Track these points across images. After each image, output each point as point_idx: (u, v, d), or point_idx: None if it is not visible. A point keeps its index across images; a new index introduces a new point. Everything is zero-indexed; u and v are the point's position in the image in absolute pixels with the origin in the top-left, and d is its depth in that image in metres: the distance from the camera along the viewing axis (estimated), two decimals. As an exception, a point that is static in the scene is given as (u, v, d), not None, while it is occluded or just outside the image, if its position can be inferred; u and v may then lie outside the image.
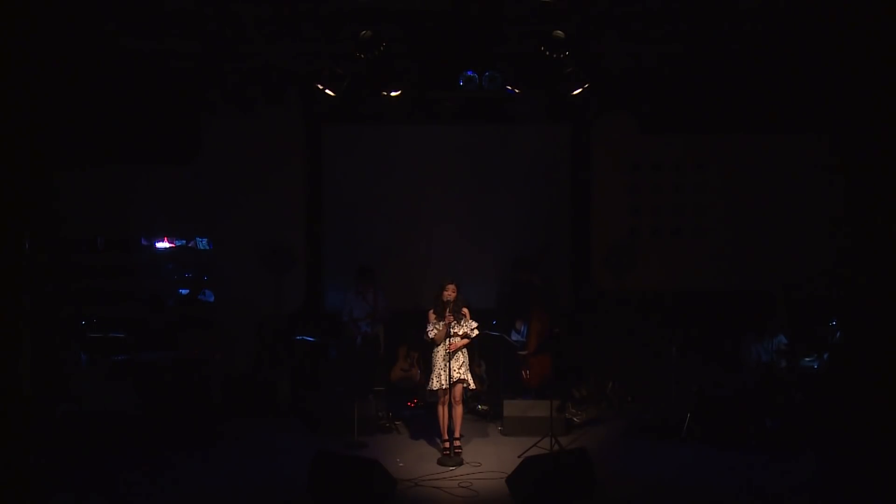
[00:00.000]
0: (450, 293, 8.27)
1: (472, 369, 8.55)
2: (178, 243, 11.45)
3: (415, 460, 8.20)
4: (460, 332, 8.32)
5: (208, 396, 9.61)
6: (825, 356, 9.25)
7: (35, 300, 9.74)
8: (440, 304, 8.32)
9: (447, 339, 8.25)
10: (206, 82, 10.10)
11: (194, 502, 7.24)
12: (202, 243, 11.38)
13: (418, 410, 9.92)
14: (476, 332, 8.43)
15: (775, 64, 9.64)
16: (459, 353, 8.31)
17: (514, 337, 9.92)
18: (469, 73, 9.16)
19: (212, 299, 11.15)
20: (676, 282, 10.87)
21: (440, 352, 8.32)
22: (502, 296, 10.76)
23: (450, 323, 8.21)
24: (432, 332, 8.34)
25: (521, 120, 10.89)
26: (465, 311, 8.40)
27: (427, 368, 8.73)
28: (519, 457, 7.78)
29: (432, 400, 9.03)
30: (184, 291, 11.42)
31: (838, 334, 9.29)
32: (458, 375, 8.26)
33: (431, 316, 8.40)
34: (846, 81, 9.60)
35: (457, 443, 8.27)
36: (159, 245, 11.44)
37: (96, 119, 10.27)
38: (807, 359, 9.32)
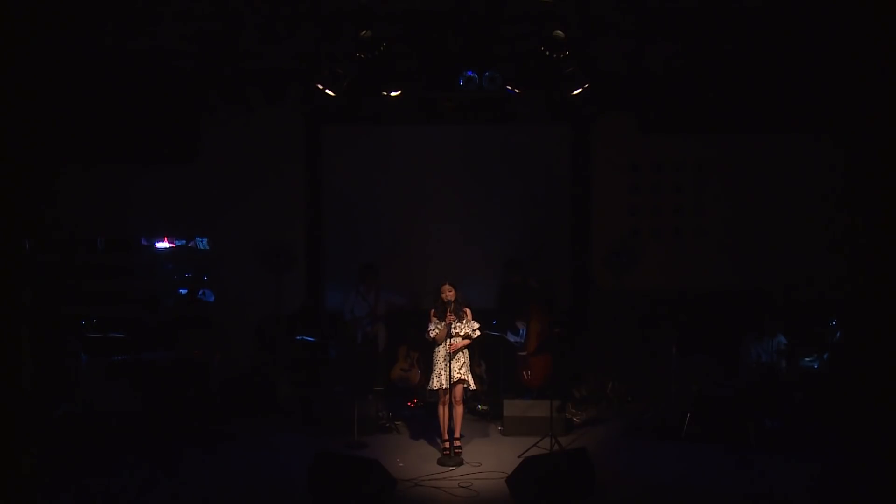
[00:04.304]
0: (447, 294, 8.27)
1: (472, 369, 8.55)
2: (178, 243, 11.45)
3: (415, 460, 8.20)
4: (462, 333, 8.32)
5: (208, 396, 9.62)
6: (825, 356, 9.26)
7: (35, 300, 9.75)
8: (440, 304, 8.32)
9: (448, 340, 8.25)
10: (206, 82, 10.10)
11: (194, 502, 7.24)
12: (202, 243, 11.38)
13: (418, 410, 9.92)
14: (478, 332, 8.42)
15: (775, 64, 9.64)
16: (460, 353, 8.30)
17: (512, 338, 9.90)
18: (469, 73, 9.16)
19: (212, 299, 11.16)
20: (676, 282, 10.86)
21: (441, 352, 8.32)
22: (501, 296, 10.76)
23: (450, 323, 8.21)
24: (433, 332, 8.34)
25: (521, 120, 10.88)
26: (468, 311, 8.41)
27: (427, 368, 8.73)
28: (519, 457, 7.78)
29: (432, 400, 9.04)
30: (183, 291, 11.42)
31: (838, 334, 9.30)
32: (459, 376, 8.26)
33: (432, 315, 8.40)
34: (847, 81, 9.60)
35: (457, 443, 8.27)
36: (159, 245, 11.44)
37: (96, 119, 10.26)
38: (807, 359, 9.33)
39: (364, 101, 10.15)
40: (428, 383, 8.50)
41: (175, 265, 11.49)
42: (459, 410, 8.32)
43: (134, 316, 10.73)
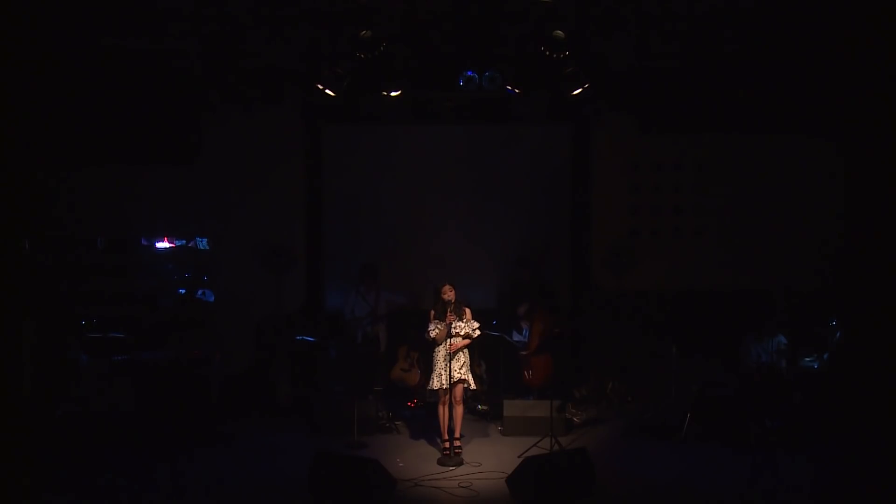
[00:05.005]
0: (447, 294, 8.27)
1: (472, 369, 8.56)
2: (178, 243, 11.45)
3: (415, 460, 8.20)
4: (462, 333, 8.32)
5: (208, 396, 9.61)
6: (825, 356, 9.26)
7: (35, 300, 9.77)
8: (440, 304, 8.32)
9: (448, 340, 8.25)
10: (206, 82, 10.09)
11: (194, 502, 7.24)
12: (202, 243, 11.37)
13: (418, 410, 9.92)
14: (478, 332, 8.43)
15: (775, 64, 9.64)
16: (460, 353, 8.31)
17: (516, 337, 9.92)
18: (469, 73, 9.16)
19: (212, 299, 11.15)
20: (676, 282, 10.86)
21: (441, 352, 8.32)
22: (503, 296, 10.76)
23: (451, 323, 8.20)
24: (433, 332, 8.34)
25: (521, 120, 10.87)
26: (468, 311, 8.41)
27: (427, 368, 8.73)
28: (519, 457, 7.78)
29: (432, 400, 9.04)
30: (183, 291, 11.42)
31: (838, 334, 9.30)
32: (459, 375, 8.26)
33: (432, 316, 8.40)
34: (847, 82, 9.61)
35: (457, 443, 8.27)
36: (159, 245, 11.44)
37: (96, 119, 10.26)
38: (807, 359, 9.32)
39: (364, 101, 10.15)
40: (428, 383, 8.50)
41: (175, 265, 11.48)
42: (459, 410, 8.32)
43: (134, 316, 10.73)
